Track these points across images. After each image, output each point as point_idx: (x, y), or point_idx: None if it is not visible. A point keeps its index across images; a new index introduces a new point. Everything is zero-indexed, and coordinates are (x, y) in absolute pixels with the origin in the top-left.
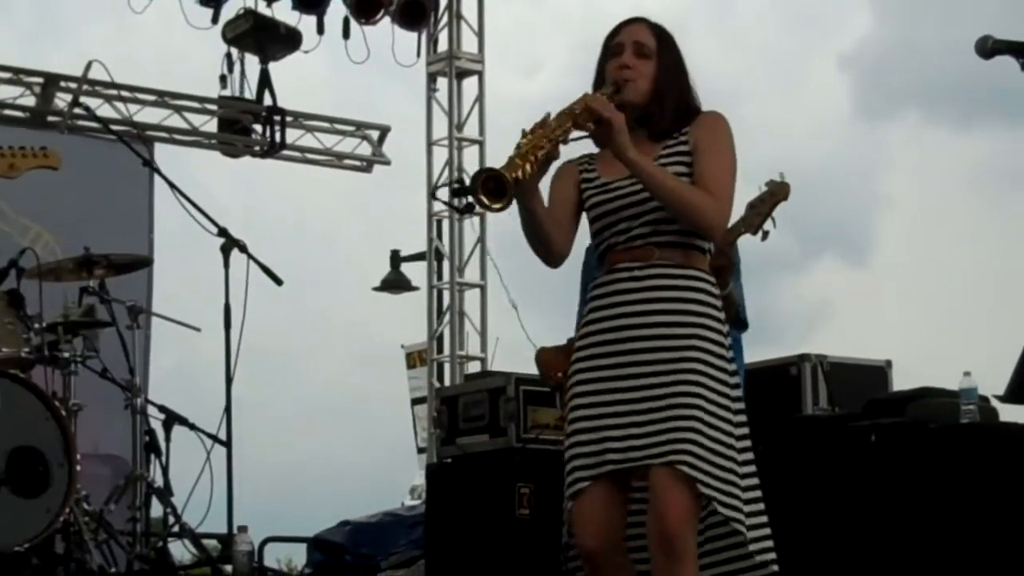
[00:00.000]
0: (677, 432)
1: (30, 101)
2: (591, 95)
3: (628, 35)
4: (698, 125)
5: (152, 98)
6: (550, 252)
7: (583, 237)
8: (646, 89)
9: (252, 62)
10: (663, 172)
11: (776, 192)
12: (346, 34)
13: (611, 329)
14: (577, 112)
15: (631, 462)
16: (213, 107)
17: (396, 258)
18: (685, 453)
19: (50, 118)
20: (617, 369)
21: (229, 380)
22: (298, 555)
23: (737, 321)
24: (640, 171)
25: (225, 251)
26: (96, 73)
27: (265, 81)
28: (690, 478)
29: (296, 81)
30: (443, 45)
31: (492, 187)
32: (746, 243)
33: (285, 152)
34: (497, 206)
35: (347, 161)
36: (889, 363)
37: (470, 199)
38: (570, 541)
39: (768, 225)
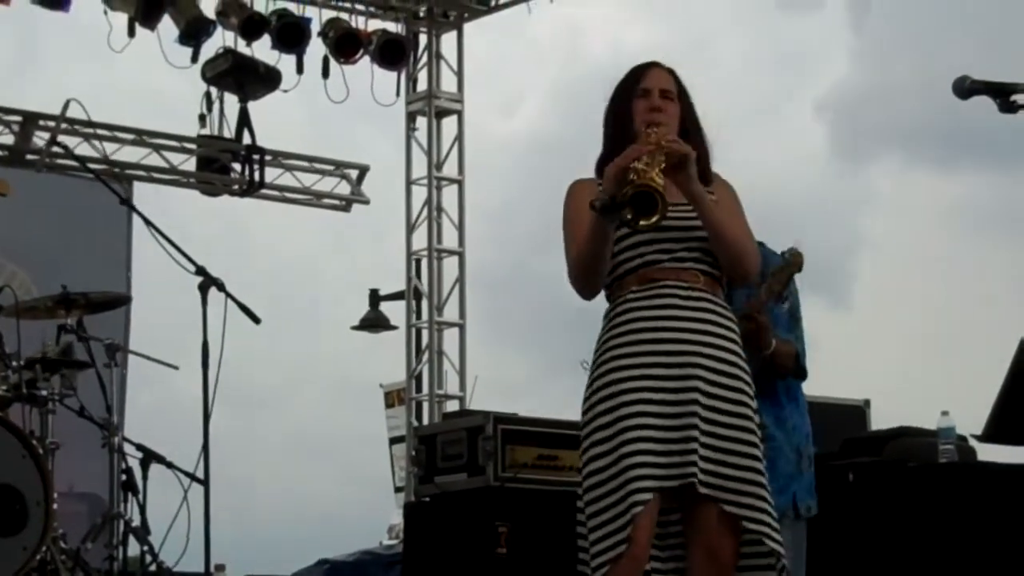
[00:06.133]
0: (757, 499)
1: (8, 139)
2: (660, 131)
3: (654, 80)
4: (722, 186)
5: (131, 137)
6: (604, 277)
7: None
8: (674, 131)
9: (231, 101)
10: (720, 209)
11: (791, 263)
12: (325, 73)
13: (667, 340)
14: (663, 145)
15: (716, 490)
16: (192, 146)
17: (375, 297)
18: (766, 524)
19: (28, 156)
20: (676, 381)
21: (207, 418)
22: None
23: (799, 370)
24: (703, 203)
25: (203, 289)
26: (75, 112)
27: (244, 120)
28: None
29: (275, 120)
30: (422, 84)
31: (641, 204)
32: None
33: (264, 191)
34: (654, 220)
35: (326, 200)
36: (867, 402)
37: (627, 216)
38: (604, 548)
39: (790, 288)
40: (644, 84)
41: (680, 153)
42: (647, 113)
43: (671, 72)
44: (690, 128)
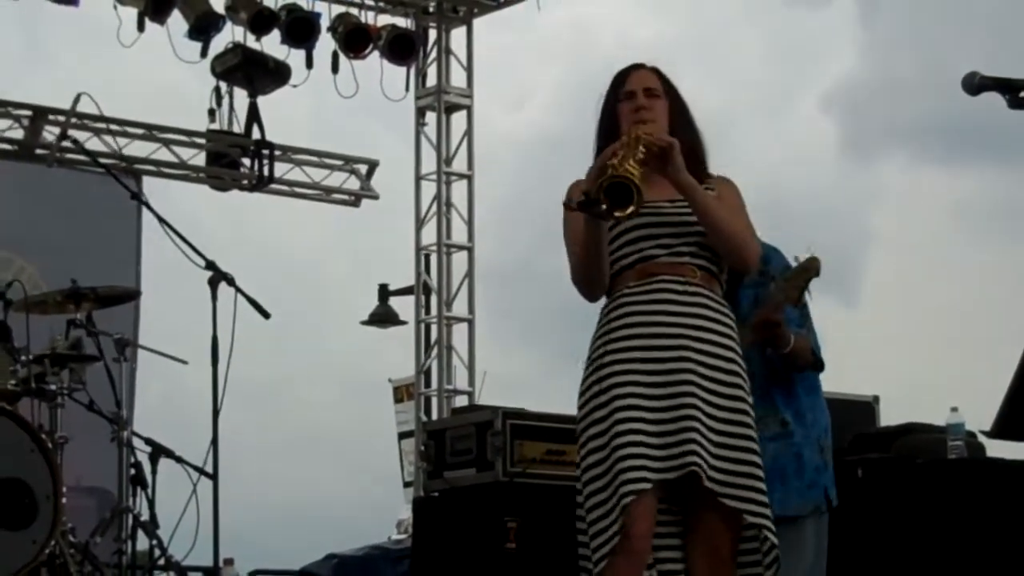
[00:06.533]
0: (755, 492)
1: (18, 134)
2: (639, 127)
3: (637, 81)
4: (723, 183)
5: (140, 131)
6: (605, 278)
7: None
8: (663, 128)
9: (241, 96)
10: (714, 199)
11: (809, 267)
12: (335, 68)
13: (661, 335)
14: (641, 137)
15: (716, 484)
16: (201, 141)
17: (384, 292)
18: (765, 517)
19: (38, 151)
20: (670, 375)
21: (216, 413)
22: None
23: (817, 362)
24: (695, 193)
25: (212, 284)
26: (85, 106)
27: (254, 115)
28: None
29: (284, 115)
30: (432, 79)
31: (616, 196)
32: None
33: (273, 186)
34: (630, 211)
35: (335, 195)
36: (876, 398)
37: (602, 208)
38: (602, 537)
39: (804, 297)
40: (628, 87)
41: (661, 144)
42: (633, 114)
43: (655, 70)
44: (679, 123)
